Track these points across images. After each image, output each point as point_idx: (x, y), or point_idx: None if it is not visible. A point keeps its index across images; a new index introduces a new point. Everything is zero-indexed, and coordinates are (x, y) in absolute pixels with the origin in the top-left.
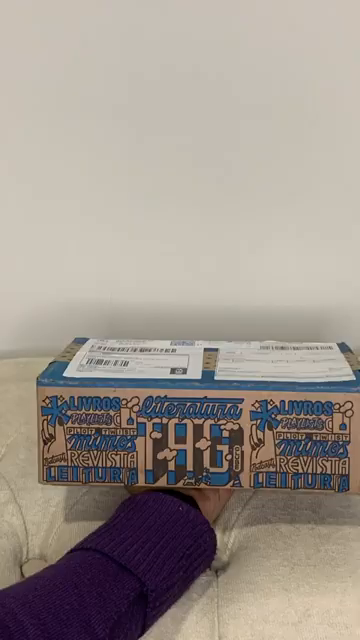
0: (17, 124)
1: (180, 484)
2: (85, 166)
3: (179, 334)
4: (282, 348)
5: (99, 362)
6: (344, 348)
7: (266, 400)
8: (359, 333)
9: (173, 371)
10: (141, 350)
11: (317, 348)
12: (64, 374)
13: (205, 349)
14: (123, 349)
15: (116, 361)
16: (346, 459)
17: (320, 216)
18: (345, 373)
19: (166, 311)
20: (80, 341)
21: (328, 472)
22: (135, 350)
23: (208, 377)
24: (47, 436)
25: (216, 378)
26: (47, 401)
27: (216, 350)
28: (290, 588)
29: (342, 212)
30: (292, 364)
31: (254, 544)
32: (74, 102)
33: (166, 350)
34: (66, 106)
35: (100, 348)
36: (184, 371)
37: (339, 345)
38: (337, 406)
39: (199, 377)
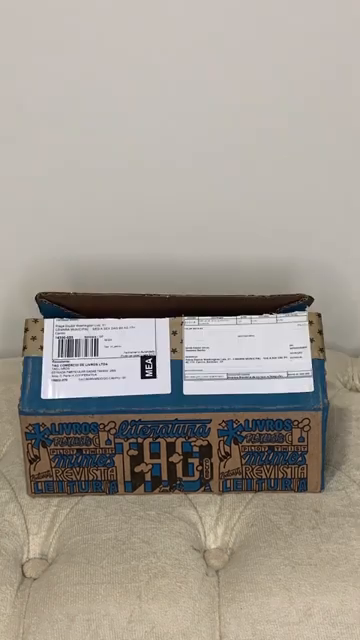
0: None
1: (156, 491)
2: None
3: None
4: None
5: (69, 352)
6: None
7: (232, 420)
8: None
9: (144, 372)
10: None
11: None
12: (42, 396)
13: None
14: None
15: (86, 348)
16: (304, 465)
17: None
18: (304, 370)
19: None
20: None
21: (289, 477)
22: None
23: (177, 390)
24: (32, 457)
25: (185, 392)
26: (30, 428)
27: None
28: (291, 587)
29: None
30: (257, 342)
31: (255, 543)
32: None
33: None
34: None
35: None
36: (153, 372)
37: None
38: (296, 422)
39: (169, 391)
